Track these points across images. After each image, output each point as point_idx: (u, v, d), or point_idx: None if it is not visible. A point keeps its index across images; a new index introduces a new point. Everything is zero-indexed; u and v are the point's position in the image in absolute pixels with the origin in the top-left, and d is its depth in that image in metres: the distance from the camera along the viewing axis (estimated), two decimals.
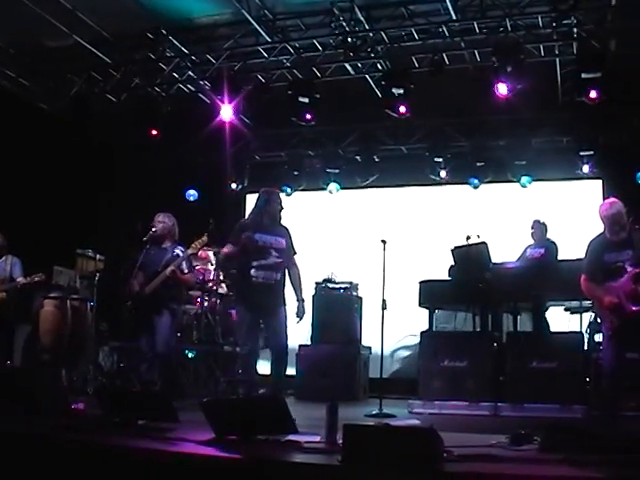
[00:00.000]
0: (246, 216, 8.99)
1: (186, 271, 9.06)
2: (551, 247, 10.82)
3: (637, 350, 7.18)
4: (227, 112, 11.71)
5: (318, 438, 5.68)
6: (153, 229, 9.07)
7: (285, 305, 8.15)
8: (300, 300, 8.20)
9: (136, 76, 12.60)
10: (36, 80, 12.79)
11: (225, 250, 8.31)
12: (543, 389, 8.82)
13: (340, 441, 4.97)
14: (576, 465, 4.81)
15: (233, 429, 5.83)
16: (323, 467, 4.85)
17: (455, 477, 4.58)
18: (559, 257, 10.66)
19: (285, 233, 8.27)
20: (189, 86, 12.88)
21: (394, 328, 12.70)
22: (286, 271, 8.22)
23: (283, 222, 8.40)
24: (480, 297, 9.64)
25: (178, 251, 9.01)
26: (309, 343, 12.24)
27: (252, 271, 7.99)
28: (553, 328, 10.35)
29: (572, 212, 13.54)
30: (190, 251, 8.97)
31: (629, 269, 7.08)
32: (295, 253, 8.34)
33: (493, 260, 9.68)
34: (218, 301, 11.36)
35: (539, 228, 11.09)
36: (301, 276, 8.31)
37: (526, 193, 13.81)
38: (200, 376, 10.79)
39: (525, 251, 11.11)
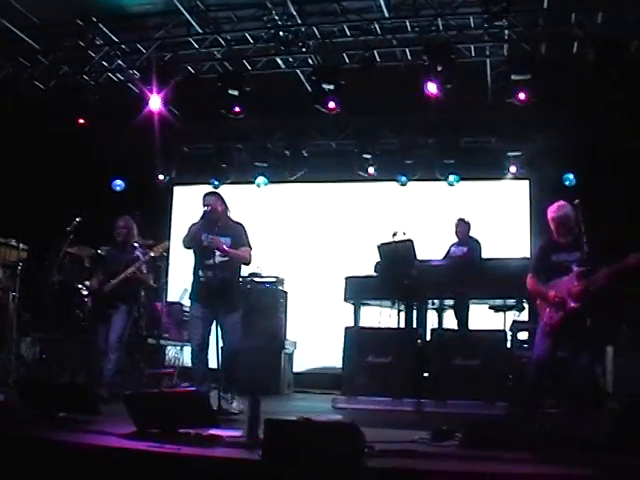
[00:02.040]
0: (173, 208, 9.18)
1: (145, 271, 9.55)
2: (474, 245, 10.91)
3: (567, 349, 7.26)
4: (156, 102, 11.57)
5: (240, 433, 5.66)
6: (117, 237, 9.47)
7: (237, 309, 8.33)
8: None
9: (65, 63, 12.38)
10: None
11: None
12: (466, 386, 8.93)
13: (262, 436, 4.95)
14: (496, 461, 4.86)
15: (155, 422, 5.77)
16: (244, 462, 4.82)
17: (376, 472, 4.59)
18: (483, 256, 10.79)
19: (232, 232, 8.29)
20: (118, 75, 12.72)
21: (321, 323, 12.79)
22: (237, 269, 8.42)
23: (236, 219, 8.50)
24: (405, 293, 9.70)
25: (138, 253, 9.38)
26: None
27: (200, 271, 8.25)
28: (481, 326, 10.42)
29: (499, 212, 13.72)
30: (152, 254, 9.30)
31: (575, 269, 7.20)
32: (248, 247, 8.34)
33: (418, 257, 9.75)
34: (142, 293, 11.24)
35: (463, 226, 11.17)
36: (243, 256, 8.31)
37: (453, 192, 13.92)
38: (124, 368, 10.67)
39: (450, 249, 11.21)
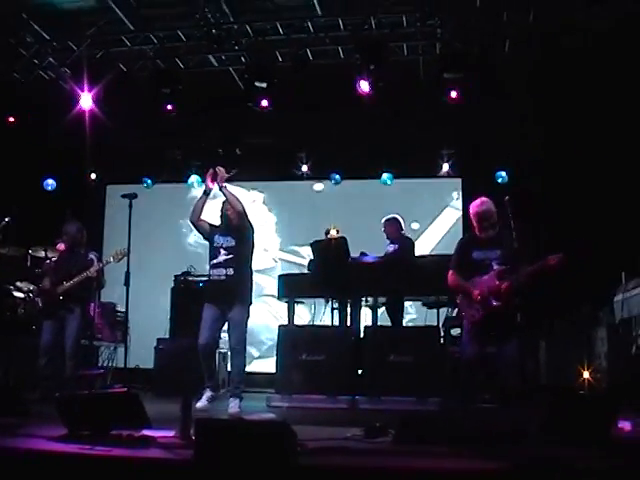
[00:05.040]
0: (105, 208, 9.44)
1: (102, 275, 9.77)
2: (406, 243, 10.92)
3: (494, 344, 7.35)
4: (87, 100, 11.48)
5: (172, 433, 5.64)
6: (67, 242, 9.74)
7: (245, 303, 8.56)
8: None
9: None
10: None
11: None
12: (400, 382, 8.99)
13: (194, 436, 4.94)
14: (429, 456, 4.91)
15: (86, 424, 5.72)
16: (176, 462, 4.81)
17: (307, 470, 4.60)
18: (416, 253, 10.87)
19: (235, 232, 8.65)
20: (49, 73, 12.56)
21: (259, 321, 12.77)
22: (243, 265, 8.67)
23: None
24: (338, 291, 9.75)
25: (92, 256, 9.60)
26: (167, 337, 12.05)
27: (209, 271, 8.70)
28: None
29: (432, 210, 13.85)
30: (110, 259, 9.39)
31: (495, 267, 7.29)
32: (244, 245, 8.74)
33: (352, 255, 9.80)
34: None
35: (390, 226, 11.08)
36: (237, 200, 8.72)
37: (388, 190, 13.99)
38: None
39: (387, 247, 11.24)
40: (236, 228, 8.63)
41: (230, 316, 8.48)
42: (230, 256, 8.53)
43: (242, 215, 8.63)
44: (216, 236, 8.65)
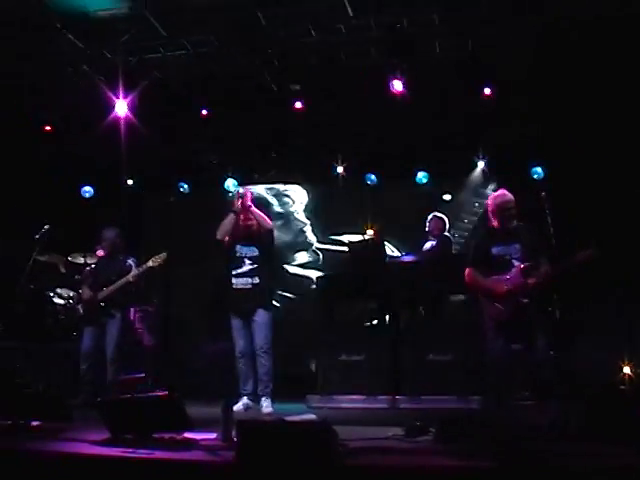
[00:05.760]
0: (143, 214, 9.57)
1: (139, 281, 9.75)
2: (446, 241, 10.93)
3: (523, 341, 7.28)
4: (122, 107, 11.54)
5: (214, 435, 5.67)
6: (106, 249, 9.99)
7: (268, 306, 9.05)
8: None
9: (30, 71, 12.29)
10: None
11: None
12: (440, 381, 8.98)
13: (235, 438, 4.96)
14: (468, 455, 4.90)
15: (128, 428, 5.77)
16: (218, 464, 4.84)
17: (349, 470, 4.62)
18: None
19: (258, 242, 9.02)
20: (84, 81, 12.64)
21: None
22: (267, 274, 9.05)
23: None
24: (377, 290, 9.74)
25: (130, 261, 9.76)
26: (207, 340, 12.08)
27: (232, 279, 8.99)
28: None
29: (468, 207, 13.79)
30: (150, 264, 9.47)
31: (516, 263, 7.21)
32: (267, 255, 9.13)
33: (390, 254, 9.80)
34: None
35: (437, 222, 11.13)
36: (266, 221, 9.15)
37: (423, 190, 13.93)
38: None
39: (423, 245, 11.23)
40: (260, 239, 9.01)
41: (254, 319, 8.83)
42: (255, 266, 8.91)
43: (271, 231, 9.16)
44: (237, 246, 9.00)
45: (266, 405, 8.61)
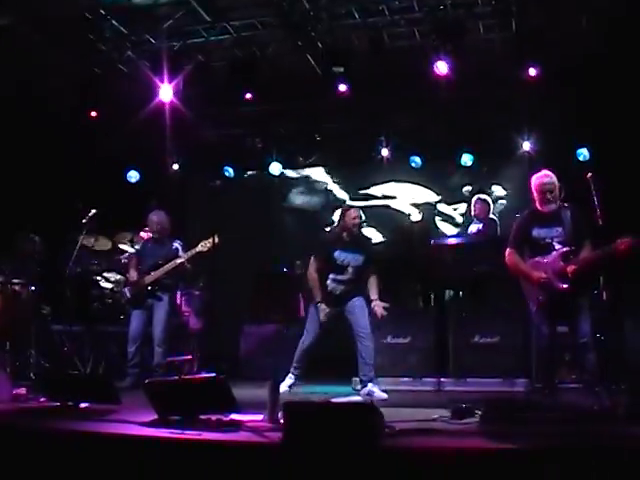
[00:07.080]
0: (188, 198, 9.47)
1: (188, 265, 9.79)
2: (492, 223, 10.90)
3: (564, 323, 7.19)
4: (167, 92, 11.58)
5: (260, 416, 5.70)
6: (153, 232, 10.06)
7: (361, 293, 8.89)
8: (374, 299, 8.76)
9: (75, 57, 12.37)
10: None
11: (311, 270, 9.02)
12: (486, 363, 8.96)
13: (282, 419, 4.99)
14: (515, 437, 4.88)
15: (175, 409, 5.82)
16: (265, 445, 4.87)
17: (396, 451, 4.62)
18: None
19: (363, 248, 8.93)
20: (128, 66, 12.71)
21: None
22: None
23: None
24: (422, 272, 9.74)
25: (177, 245, 9.88)
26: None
27: (329, 282, 8.89)
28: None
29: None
30: (199, 248, 9.55)
31: (557, 247, 7.11)
32: (371, 263, 8.95)
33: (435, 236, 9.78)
34: None
35: (482, 205, 11.13)
36: (376, 282, 8.89)
37: (468, 172, 13.86)
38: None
39: (468, 227, 11.21)
40: (365, 246, 9.03)
41: (349, 309, 8.77)
42: (355, 276, 8.80)
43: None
44: (337, 252, 8.80)
45: (377, 390, 8.50)
